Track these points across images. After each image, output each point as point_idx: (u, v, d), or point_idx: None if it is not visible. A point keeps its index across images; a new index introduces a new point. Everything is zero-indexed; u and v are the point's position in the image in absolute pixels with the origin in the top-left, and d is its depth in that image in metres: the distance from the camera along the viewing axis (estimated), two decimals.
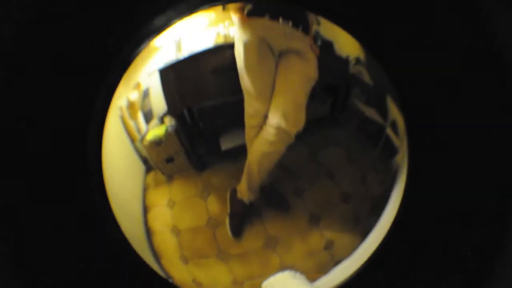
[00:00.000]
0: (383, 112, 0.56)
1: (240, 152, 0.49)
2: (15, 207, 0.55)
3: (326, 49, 0.55)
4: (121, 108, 0.55)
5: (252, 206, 0.48)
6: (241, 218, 0.48)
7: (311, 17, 0.59)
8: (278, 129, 0.48)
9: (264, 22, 0.52)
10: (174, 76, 0.50)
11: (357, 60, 0.58)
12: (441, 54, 0.61)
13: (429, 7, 0.61)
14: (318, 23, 0.60)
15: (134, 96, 0.56)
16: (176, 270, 0.51)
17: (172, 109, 0.49)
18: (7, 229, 0.54)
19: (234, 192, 0.48)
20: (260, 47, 0.50)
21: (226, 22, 0.57)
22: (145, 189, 0.52)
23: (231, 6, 0.58)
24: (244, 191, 0.49)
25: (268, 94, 0.49)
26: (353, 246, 0.51)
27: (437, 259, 0.56)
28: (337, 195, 0.49)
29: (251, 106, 0.48)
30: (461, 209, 0.57)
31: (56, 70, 0.59)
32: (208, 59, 0.50)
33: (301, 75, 0.50)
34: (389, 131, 0.54)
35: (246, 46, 0.49)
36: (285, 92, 0.49)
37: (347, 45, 0.60)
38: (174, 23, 0.58)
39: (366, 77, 0.57)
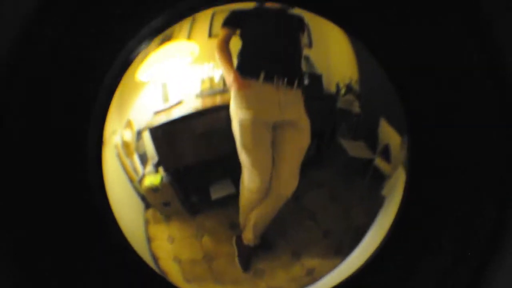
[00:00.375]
0: (373, 141, 0.59)
1: (229, 200, 0.55)
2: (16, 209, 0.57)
3: (313, 88, 0.56)
4: (116, 146, 0.59)
5: (255, 247, 0.56)
6: (248, 257, 0.56)
7: (304, 38, 0.59)
8: (279, 196, 0.53)
9: (259, 90, 0.53)
10: (164, 137, 0.53)
11: (348, 88, 0.58)
12: (441, 54, 0.61)
13: (429, 7, 0.61)
14: (310, 45, 0.59)
15: (128, 136, 0.59)
16: (182, 285, 0.61)
17: (165, 166, 0.53)
18: (7, 229, 0.57)
19: (239, 240, 0.55)
20: (255, 127, 0.52)
21: (211, 63, 0.57)
22: (146, 223, 0.58)
23: (218, 32, 0.58)
24: (250, 239, 0.56)
25: (268, 170, 0.53)
26: (335, 266, 0.58)
27: (434, 264, 0.60)
28: (319, 233, 0.55)
29: (252, 182, 0.53)
30: (460, 211, 0.60)
31: (55, 71, 0.59)
32: (195, 122, 0.52)
33: (296, 147, 0.53)
34: (378, 161, 0.58)
35: (242, 127, 0.51)
36: (284, 165, 0.54)
37: (340, 64, 0.60)
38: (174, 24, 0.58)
39: (356, 107, 0.58)
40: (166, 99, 0.54)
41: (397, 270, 0.59)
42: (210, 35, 0.58)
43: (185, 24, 0.60)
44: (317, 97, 0.53)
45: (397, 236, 0.59)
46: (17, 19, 0.59)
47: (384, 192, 0.55)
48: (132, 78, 0.58)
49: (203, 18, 0.59)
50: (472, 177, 0.59)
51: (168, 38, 0.59)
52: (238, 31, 0.57)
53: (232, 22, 0.56)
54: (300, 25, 0.58)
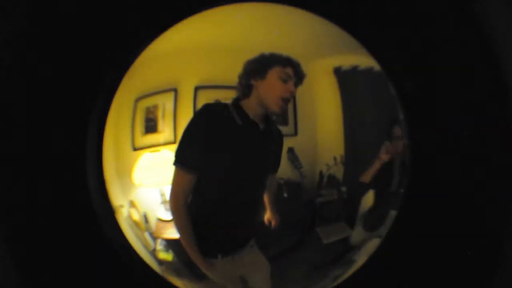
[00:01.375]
0: (354, 216, 0.66)
1: None
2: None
3: (292, 196, 0.61)
4: (127, 219, 0.69)
5: None
6: None
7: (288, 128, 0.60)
8: None
9: (220, 266, 0.57)
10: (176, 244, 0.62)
11: (330, 177, 0.63)
12: (440, 54, 0.63)
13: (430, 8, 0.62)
14: (296, 133, 0.62)
15: (136, 215, 0.69)
16: None
17: (177, 257, 0.65)
18: (7, 230, 0.59)
19: None
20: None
21: None
22: (162, 271, 0.73)
23: None
24: None
25: None
26: None
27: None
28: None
29: None
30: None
31: (55, 73, 0.61)
32: None
33: (263, 277, 0.60)
34: (353, 239, 0.67)
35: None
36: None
37: (327, 141, 0.62)
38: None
39: (336, 195, 0.64)
40: (167, 208, 0.61)
41: None
42: None
43: (167, 103, 0.61)
44: (295, 207, 0.59)
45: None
46: (17, 20, 0.59)
47: (356, 257, 0.66)
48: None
49: (186, 95, 0.60)
50: (472, 178, 0.63)
51: (153, 126, 0.62)
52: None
53: (187, 163, 0.53)
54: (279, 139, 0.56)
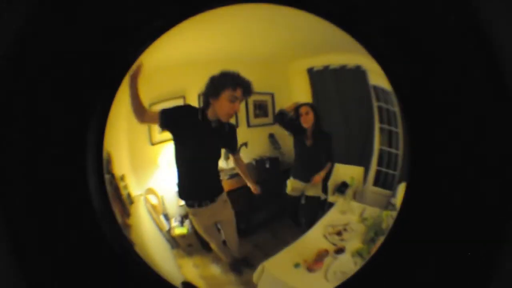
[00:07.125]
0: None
1: None
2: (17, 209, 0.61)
3: (274, 167, 0.76)
4: (147, 207, 0.83)
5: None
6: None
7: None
8: None
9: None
10: None
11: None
12: (440, 55, 0.65)
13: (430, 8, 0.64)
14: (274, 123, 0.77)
15: (154, 200, 0.83)
16: None
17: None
18: (8, 230, 0.60)
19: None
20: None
21: None
22: (175, 257, 0.84)
23: None
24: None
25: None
26: None
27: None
28: None
29: None
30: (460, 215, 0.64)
31: (56, 74, 0.64)
32: None
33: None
34: None
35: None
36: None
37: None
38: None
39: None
40: None
41: None
42: None
43: None
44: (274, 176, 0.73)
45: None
46: (17, 21, 0.61)
47: None
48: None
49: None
50: (473, 179, 0.64)
51: None
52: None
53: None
54: None
